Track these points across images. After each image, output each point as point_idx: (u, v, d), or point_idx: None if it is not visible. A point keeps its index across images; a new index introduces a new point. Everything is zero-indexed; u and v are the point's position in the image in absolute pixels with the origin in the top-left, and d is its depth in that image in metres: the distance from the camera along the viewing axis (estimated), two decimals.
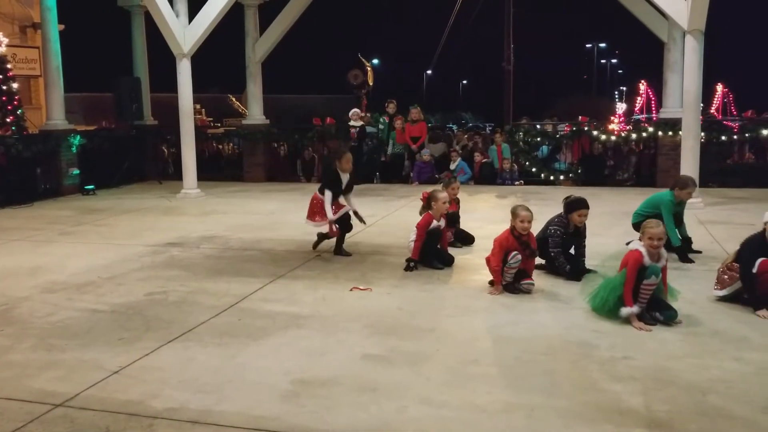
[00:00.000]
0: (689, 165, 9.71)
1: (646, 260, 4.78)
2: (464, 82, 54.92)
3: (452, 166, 13.55)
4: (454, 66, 44.01)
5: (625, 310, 4.76)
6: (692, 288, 5.57)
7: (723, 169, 12.31)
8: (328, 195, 6.79)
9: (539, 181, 13.42)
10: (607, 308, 4.89)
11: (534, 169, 13.62)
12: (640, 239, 4.90)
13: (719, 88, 18.67)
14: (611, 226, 8.30)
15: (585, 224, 6.10)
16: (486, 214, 8.88)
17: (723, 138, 12.53)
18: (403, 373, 4.09)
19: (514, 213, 5.67)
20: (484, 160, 13.75)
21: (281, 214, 9.70)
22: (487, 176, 13.49)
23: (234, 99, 13.60)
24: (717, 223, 8.14)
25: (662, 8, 10.27)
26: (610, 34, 42.91)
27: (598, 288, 4.99)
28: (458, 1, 26.80)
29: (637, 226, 6.33)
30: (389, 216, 9.55)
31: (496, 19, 26.98)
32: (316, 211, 6.88)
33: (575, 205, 6.00)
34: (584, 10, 35.52)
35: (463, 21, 29.66)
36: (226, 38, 15.13)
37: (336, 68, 18.99)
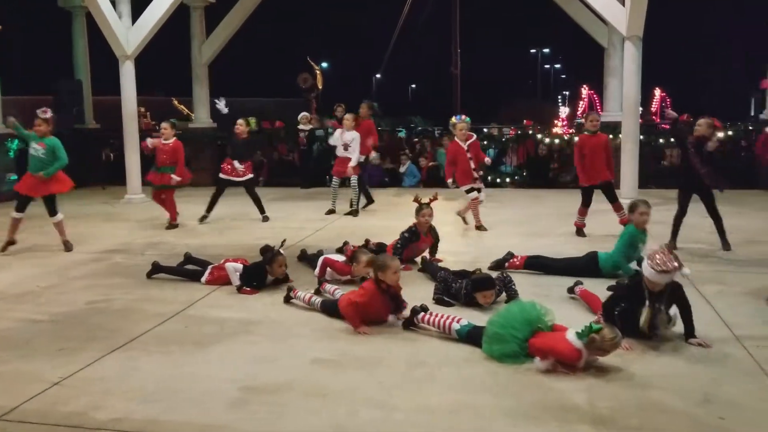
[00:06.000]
0: (629, 167, 10.03)
1: (581, 361, 4.08)
2: (413, 86, 55.30)
3: (402, 169, 13.65)
4: (403, 70, 44.27)
5: (544, 364, 4.11)
6: None
7: (661, 171, 12.70)
8: (238, 266, 6.03)
9: (486, 184, 13.59)
10: (514, 362, 4.22)
11: (481, 172, 13.79)
12: (589, 335, 4.04)
13: (657, 92, 19.34)
14: (556, 227, 8.50)
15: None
16: (435, 216, 8.94)
17: (661, 141, 12.96)
18: (353, 376, 4.09)
19: (384, 266, 4.89)
20: (431, 164, 13.88)
21: (229, 218, 9.58)
22: (434, 179, 13.60)
23: (179, 102, 13.36)
24: (657, 223, 8.40)
25: (602, 15, 10.60)
26: (554, 40, 43.92)
27: (499, 332, 4.31)
28: (406, 5, 26.97)
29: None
30: (339, 220, 9.54)
31: (444, 23, 27.27)
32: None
33: (479, 286, 5.31)
34: (529, 16, 36.23)
35: (411, 25, 29.88)
36: (171, 40, 14.85)
37: (285, 71, 18.86)
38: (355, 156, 9.62)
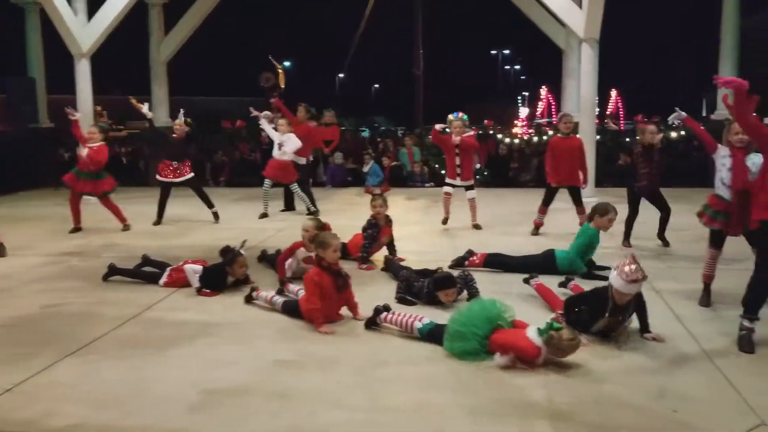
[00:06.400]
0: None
1: (540, 357, 4.15)
2: (376, 86, 55.38)
3: (365, 169, 13.66)
4: (366, 70, 44.29)
5: (504, 359, 4.17)
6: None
7: (618, 171, 12.95)
8: (197, 267, 5.97)
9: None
10: (474, 359, 4.27)
11: (443, 171, 13.90)
12: (548, 335, 4.10)
13: (613, 93, 19.78)
14: (516, 225, 8.61)
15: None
16: (397, 217, 8.97)
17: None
18: (314, 377, 4.08)
19: (324, 243, 4.93)
20: (393, 163, 13.93)
21: (189, 219, 9.46)
22: (397, 179, 13.66)
23: (137, 101, 13.13)
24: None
25: (560, 18, 10.79)
26: (514, 42, 44.48)
27: (460, 330, 4.35)
28: (369, 5, 26.96)
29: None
30: (300, 220, 9.49)
31: (407, 24, 27.37)
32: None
33: (440, 284, 5.34)
34: (490, 18, 36.62)
35: (374, 25, 29.90)
36: (129, 37, 14.58)
37: (247, 70, 18.66)
38: (287, 158, 9.51)
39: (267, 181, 9.75)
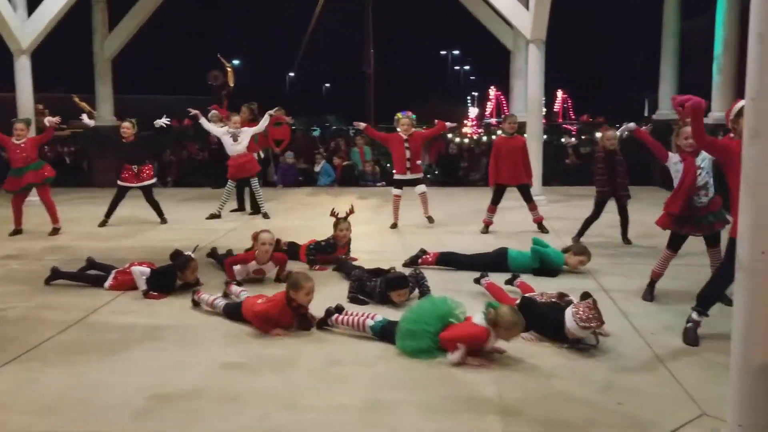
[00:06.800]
0: (533, 165, 10.33)
1: (490, 342, 4.26)
2: (327, 85, 55.20)
3: (317, 168, 13.60)
4: (316, 68, 44.11)
5: (455, 356, 4.19)
6: (541, 286, 5.97)
7: (565, 170, 13.26)
8: (144, 269, 5.81)
9: (393, 184, 13.75)
10: (427, 356, 4.29)
11: (394, 171, 13.95)
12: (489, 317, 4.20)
13: (559, 93, 20.23)
14: (468, 224, 8.70)
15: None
16: (350, 216, 8.98)
17: (563, 140, 13.54)
18: (266, 379, 4.05)
19: (297, 285, 4.72)
20: (345, 163, 13.91)
21: (136, 221, 9.24)
22: (349, 178, 13.65)
23: (80, 99, 12.67)
24: (558, 219, 8.80)
25: (508, 19, 10.96)
26: (463, 42, 45.01)
27: (412, 329, 4.38)
28: (319, 4, 26.87)
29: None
30: (252, 221, 9.40)
31: (357, 23, 27.37)
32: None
33: (393, 285, 5.34)
34: (439, 18, 36.97)
35: (324, 24, 29.80)
36: (72, 34, 14.14)
37: (195, 68, 18.34)
38: (244, 144, 9.37)
39: (230, 183, 9.63)
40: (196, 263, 5.84)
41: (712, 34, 10.82)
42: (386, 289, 5.36)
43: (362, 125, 9.01)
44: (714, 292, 4.65)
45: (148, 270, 5.82)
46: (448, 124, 8.61)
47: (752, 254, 2.90)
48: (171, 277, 5.79)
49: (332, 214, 6.56)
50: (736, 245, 4.00)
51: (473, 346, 4.21)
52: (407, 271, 5.73)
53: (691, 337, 4.56)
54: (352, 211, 6.60)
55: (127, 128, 8.88)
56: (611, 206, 7.59)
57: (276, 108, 11.32)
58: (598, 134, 7.68)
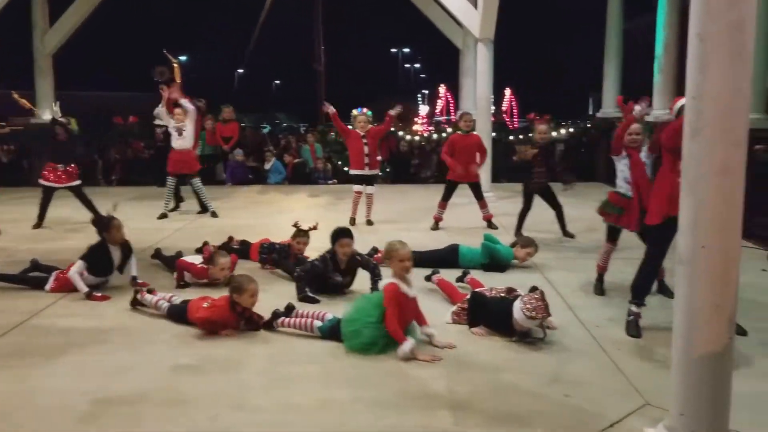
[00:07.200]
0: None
1: (403, 287, 4.42)
2: (277, 82, 54.69)
3: (267, 166, 13.45)
4: (266, 65, 43.65)
5: (404, 348, 4.24)
6: (491, 281, 6.05)
7: (513, 167, 13.40)
8: (79, 265, 5.61)
9: (351, 180, 13.74)
10: (376, 349, 4.34)
11: (346, 168, 13.93)
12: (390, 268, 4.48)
13: (507, 92, 20.51)
14: (419, 221, 8.74)
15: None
16: (301, 214, 8.91)
17: (510, 138, 13.73)
18: (215, 380, 3.98)
19: (240, 288, 4.70)
20: (296, 161, 13.81)
21: (78, 221, 8.95)
22: (300, 176, 13.56)
23: (20, 96, 12.21)
24: (507, 215, 8.91)
25: (457, 18, 11.06)
26: (414, 41, 45.26)
27: (353, 328, 4.43)
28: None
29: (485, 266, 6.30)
30: (199, 219, 9.25)
31: (308, 20, 27.15)
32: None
33: (337, 235, 5.51)
34: (390, 16, 37.05)
35: (274, 19, 29.47)
36: (11, 28, 13.63)
37: (140, 63, 17.92)
38: (189, 138, 9.21)
39: (170, 179, 9.40)
40: (118, 221, 5.73)
41: (653, 34, 11.14)
42: (333, 243, 5.46)
43: (332, 109, 8.79)
44: (644, 281, 4.79)
45: (80, 262, 5.64)
46: (391, 111, 8.57)
47: (693, 248, 2.99)
48: (104, 248, 5.67)
49: (295, 225, 6.46)
50: (652, 231, 4.12)
51: (398, 299, 4.35)
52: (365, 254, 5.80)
53: (634, 329, 4.69)
54: (315, 227, 6.48)
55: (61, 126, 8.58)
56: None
57: (224, 105, 11.18)
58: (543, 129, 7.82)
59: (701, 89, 2.90)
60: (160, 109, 9.63)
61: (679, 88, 8.89)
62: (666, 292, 5.38)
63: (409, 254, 4.51)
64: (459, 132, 8.59)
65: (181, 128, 9.20)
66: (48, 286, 5.73)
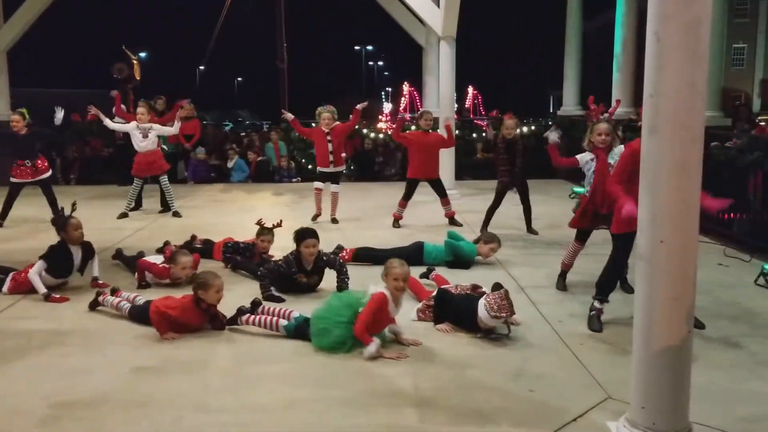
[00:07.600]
0: (445, 160, 10.55)
1: (390, 306, 4.39)
2: (239, 79, 54.14)
3: (230, 164, 13.30)
4: (228, 62, 43.20)
5: (370, 349, 4.22)
6: (455, 278, 6.08)
7: (476, 164, 13.50)
8: (39, 265, 5.48)
9: (315, 178, 13.68)
10: (344, 348, 4.33)
11: (310, 166, 13.86)
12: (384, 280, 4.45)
13: (470, 90, 20.72)
14: (383, 219, 8.74)
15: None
16: (265, 212, 8.85)
17: (474, 135, 13.85)
18: (178, 382, 3.93)
19: (205, 284, 4.64)
20: (259, 158, 13.69)
21: (37, 221, 8.72)
22: (263, 174, 13.44)
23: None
24: (470, 212, 8.99)
25: (420, 16, 11.11)
26: (377, 38, 45.30)
27: (323, 326, 4.41)
28: None
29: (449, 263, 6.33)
30: (161, 219, 9.10)
31: (270, 17, 26.92)
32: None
33: (301, 236, 5.48)
34: (353, 14, 37.03)
35: (236, 17, 29.16)
36: None
37: (98, 60, 17.55)
38: (153, 141, 9.04)
39: (137, 181, 9.23)
40: (76, 220, 5.61)
41: (611, 34, 11.35)
42: (298, 244, 5.41)
43: (290, 116, 8.84)
44: (609, 280, 4.89)
45: (41, 262, 5.51)
46: (359, 106, 8.58)
47: (651, 244, 3.05)
48: (63, 248, 5.55)
49: (258, 222, 6.40)
50: (619, 238, 4.25)
51: (380, 311, 4.31)
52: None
53: (596, 324, 4.77)
54: (279, 225, 6.43)
55: (17, 120, 8.33)
56: (517, 198, 7.83)
57: (186, 100, 10.99)
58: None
59: (658, 87, 2.94)
60: (115, 123, 9.44)
61: (637, 87, 9.08)
62: (627, 287, 5.48)
63: (403, 275, 4.42)
64: (419, 130, 8.61)
65: (146, 130, 9.01)
66: (5, 288, 5.57)
